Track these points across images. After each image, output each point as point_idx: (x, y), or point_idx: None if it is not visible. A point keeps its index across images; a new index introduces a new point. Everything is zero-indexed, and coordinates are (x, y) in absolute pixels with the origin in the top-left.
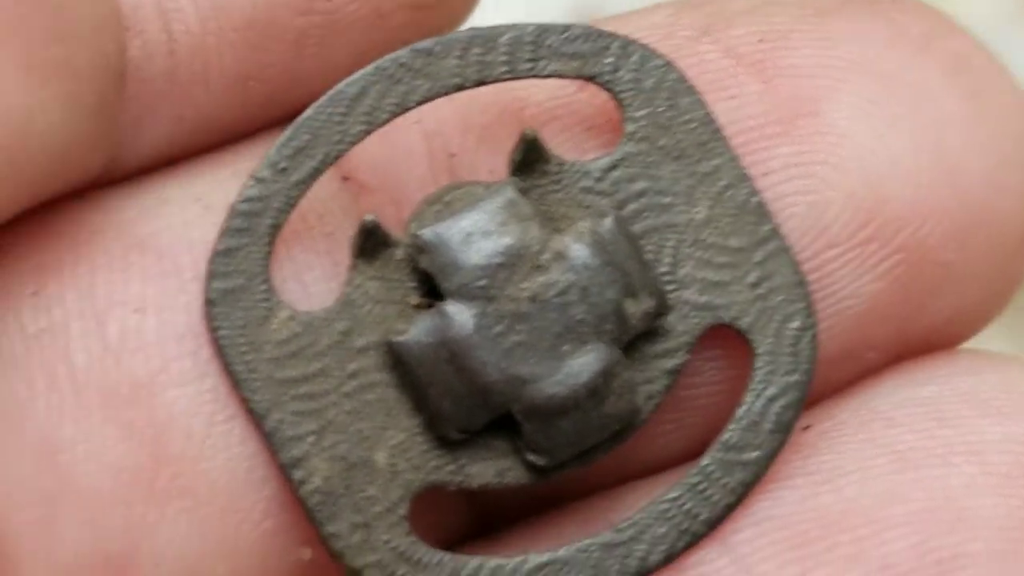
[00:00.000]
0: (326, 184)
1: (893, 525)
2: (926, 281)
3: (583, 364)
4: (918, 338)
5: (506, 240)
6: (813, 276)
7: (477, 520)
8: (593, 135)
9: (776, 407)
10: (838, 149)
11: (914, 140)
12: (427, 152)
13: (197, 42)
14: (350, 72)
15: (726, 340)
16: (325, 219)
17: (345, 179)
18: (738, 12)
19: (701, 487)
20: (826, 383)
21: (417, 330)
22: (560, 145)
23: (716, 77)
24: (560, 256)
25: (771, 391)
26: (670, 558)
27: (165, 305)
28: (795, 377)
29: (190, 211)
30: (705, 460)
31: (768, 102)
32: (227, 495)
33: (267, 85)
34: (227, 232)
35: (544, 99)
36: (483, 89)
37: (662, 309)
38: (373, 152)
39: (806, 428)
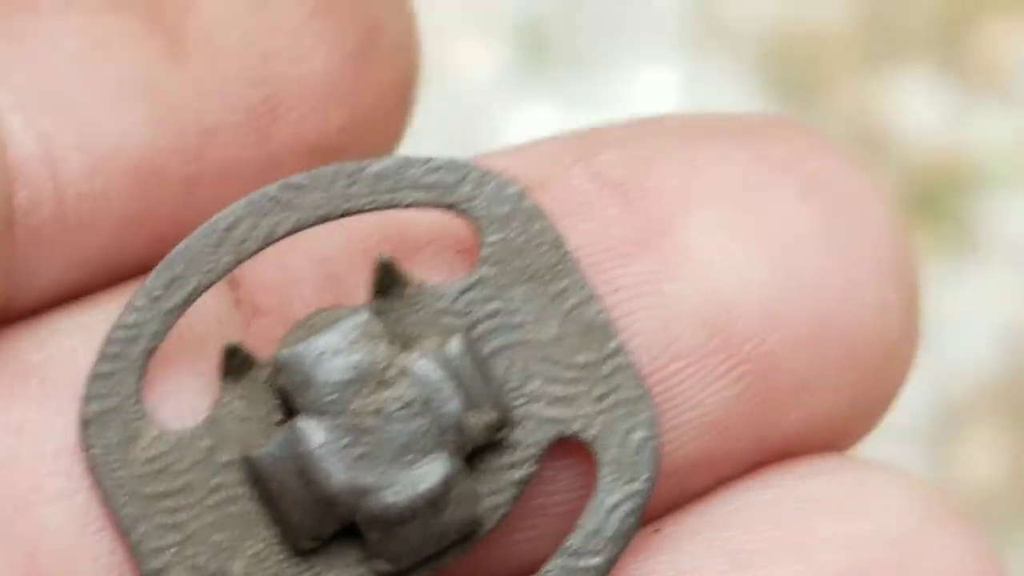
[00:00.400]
0: (218, 307)
1: None
2: (777, 390)
3: (423, 474)
4: (778, 447)
5: (355, 357)
6: (661, 388)
7: None
8: (464, 258)
9: (617, 514)
10: (687, 267)
11: (762, 258)
12: (313, 276)
13: (84, 190)
14: None
15: (577, 451)
16: (207, 342)
17: (238, 302)
18: (613, 139)
19: None
20: (682, 491)
21: (271, 445)
22: (435, 268)
23: (582, 200)
24: (405, 372)
25: (612, 499)
26: None
27: (43, 426)
28: (636, 486)
29: (76, 339)
30: (548, 566)
31: (627, 223)
32: None
33: (158, 227)
34: (103, 357)
35: (425, 224)
36: (370, 217)
37: (504, 422)
38: (268, 276)
39: (656, 531)
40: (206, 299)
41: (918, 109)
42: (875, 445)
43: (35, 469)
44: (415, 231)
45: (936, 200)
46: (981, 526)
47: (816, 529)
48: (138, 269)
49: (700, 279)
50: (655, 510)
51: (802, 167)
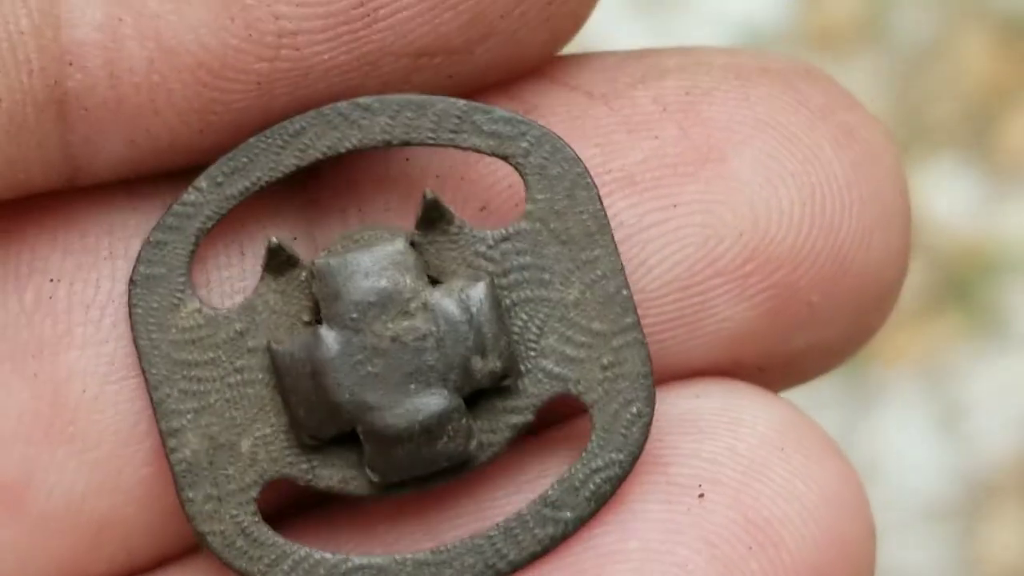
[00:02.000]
0: (280, 204)
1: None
2: (791, 316)
3: (423, 404)
4: (777, 363)
5: (382, 283)
6: (699, 299)
7: None
8: (510, 211)
9: (597, 478)
10: (736, 194)
11: (801, 195)
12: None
13: (140, 80)
14: None
15: (574, 409)
16: (260, 235)
17: (312, 201)
18: (671, 68)
19: (515, 532)
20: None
21: (293, 343)
22: (480, 214)
23: (644, 119)
24: (427, 307)
25: (596, 463)
26: None
27: (78, 278)
28: (620, 456)
29: (120, 205)
30: (524, 509)
31: (684, 145)
32: (112, 443)
33: (228, 119)
34: (160, 227)
35: (480, 170)
36: (454, 153)
37: (508, 372)
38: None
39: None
40: (266, 201)
41: (947, 198)
42: (905, 525)
43: (68, 317)
44: (471, 175)
45: (964, 287)
46: (844, 454)
47: (678, 445)
48: (214, 154)
49: (746, 207)
50: None
51: (836, 117)
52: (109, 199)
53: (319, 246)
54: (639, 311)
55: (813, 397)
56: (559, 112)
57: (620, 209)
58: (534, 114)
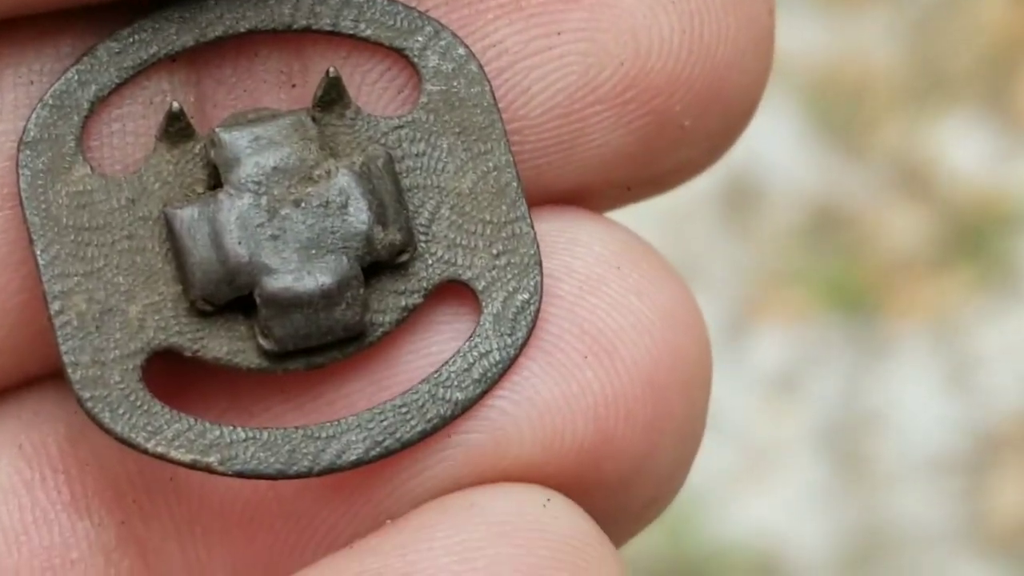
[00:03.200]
0: (173, 86)
1: None
2: (664, 140)
3: (323, 268)
4: (644, 182)
5: (286, 150)
6: (578, 125)
7: None
8: (404, 102)
9: (486, 362)
10: (619, 21)
11: (681, 22)
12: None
13: None
14: None
15: (466, 301)
16: (155, 108)
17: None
18: None
19: (404, 410)
20: (571, 201)
21: (191, 207)
22: (376, 103)
23: None
24: (330, 175)
25: (485, 347)
26: (358, 464)
27: None
28: (508, 340)
29: (29, 79)
30: (414, 389)
31: None
32: None
33: None
34: (54, 93)
35: (378, 61)
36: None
37: (406, 246)
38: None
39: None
40: (163, 74)
41: (962, 150)
42: (914, 475)
43: None
44: (368, 63)
45: (977, 241)
46: (679, 276)
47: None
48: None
49: (628, 34)
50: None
51: None
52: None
53: (209, 124)
54: (518, 137)
55: (822, 348)
56: None
57: (506, 35)
58: None
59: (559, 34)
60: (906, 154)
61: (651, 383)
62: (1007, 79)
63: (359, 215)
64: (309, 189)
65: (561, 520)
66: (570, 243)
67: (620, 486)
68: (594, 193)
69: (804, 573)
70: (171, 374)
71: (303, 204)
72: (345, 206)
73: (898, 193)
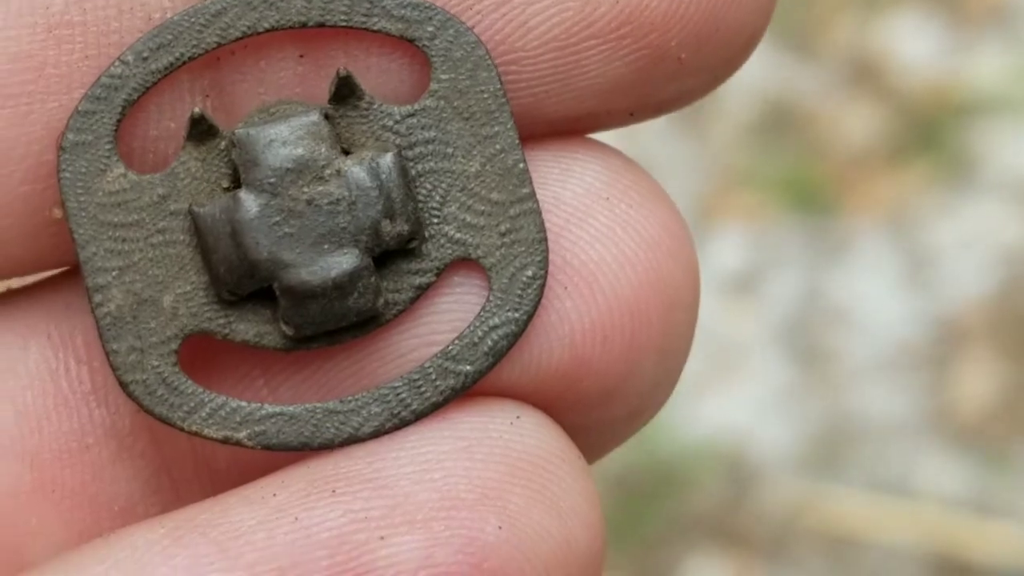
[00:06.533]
0: (195, 88)
1: None
2: (662, 72)
3: (335, 262)
4: (647, 108)
5: (299, 151)
6: (575, 58)
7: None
8: (415, 90)
9: (495, 335)
10: None
11: None
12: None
13: None
14: None
15: (473, 274)
16: (182, 109)
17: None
18: None
19: (418, 384)
20: (571, 131)
21: (213, 206)
22: (389, 92)
23: None
24: (340, 173)
25: (494, 321)
26: (377, 434)
27: (13, 140)
28: (517, 314)
29: None
30: (427, 363)
31: None
32: None
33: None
34: (88, 98)
35: (390, 51)
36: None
37: (415, 235)
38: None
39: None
40: (188, 75)
41: (913, 44)
42: (877, 369)
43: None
44: (381, 54)
45: (933, 132)
46: (672, 203)
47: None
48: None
49: None
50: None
51: None
52: None
53: (236, 119)
54: (515, 67)
55: (780, 247)
56: None
57: None
58: None
59: None
60: (858, 51)
61: (630, 311)
62: None
63: (367, 210)
64: (320, 188)
65: (527, 436)
66: (563, 174)
67: (600, 402)
68: (597, 119)
69: (771, 470)
70: (204, 352)
71: (315, 203)
72: (354, 203)
73: (851, 90)
